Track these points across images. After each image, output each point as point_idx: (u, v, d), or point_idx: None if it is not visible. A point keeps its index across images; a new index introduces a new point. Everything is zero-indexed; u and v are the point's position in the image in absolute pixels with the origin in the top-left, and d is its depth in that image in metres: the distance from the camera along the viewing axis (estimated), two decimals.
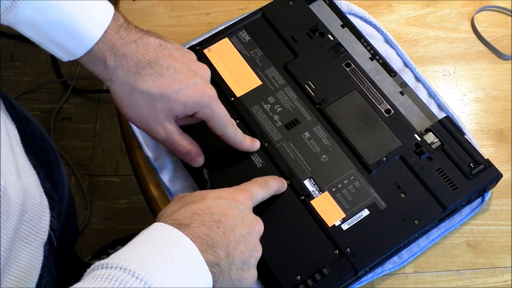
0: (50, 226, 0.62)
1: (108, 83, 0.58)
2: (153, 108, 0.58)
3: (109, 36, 0.55)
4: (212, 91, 0.60)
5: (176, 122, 0.61)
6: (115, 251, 1.22)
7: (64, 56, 0.56)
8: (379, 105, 0.69)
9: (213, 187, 0.64)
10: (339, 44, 0.73)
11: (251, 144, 0.64)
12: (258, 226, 0.54)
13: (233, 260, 0.50)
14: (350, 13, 0.77)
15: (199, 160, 0.64)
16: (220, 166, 0.66)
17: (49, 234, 0.61)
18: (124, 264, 0.44)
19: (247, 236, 0.52)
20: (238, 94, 0.69)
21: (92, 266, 0.45)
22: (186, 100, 0.58)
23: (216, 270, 0.49)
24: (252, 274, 0.53)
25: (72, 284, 0.43)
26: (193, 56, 0.63)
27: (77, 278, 0.45)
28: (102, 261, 0.45)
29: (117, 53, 0.56)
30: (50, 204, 0.63)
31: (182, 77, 0.58)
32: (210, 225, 0.50)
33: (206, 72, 0.63)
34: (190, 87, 0.58)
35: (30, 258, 0.57)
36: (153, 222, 0.50)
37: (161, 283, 0.44)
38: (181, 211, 0.51)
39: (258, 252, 0.54)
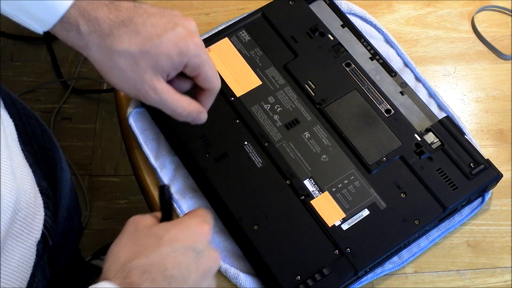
0: (45, 225, 0.61)
1: (85, 51, 0.55)
2: (136, 68, 0.54)
3: (80, 2, 0.53)
4: (198, 39, 0.55)
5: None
6: None
7: (38, 27, 0.53)
8: (379, 105, 0.69)
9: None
10: (339, 44, 0.72)
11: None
12: (214, 265, 0.52)
13: None
14: (350, 13, 0.77)
15: (203, 117, 0.60)
16: (220, 166, 0.65)
17: (43, 233, 0.61)
18: None
19: (200, 282, 0.50)
20: (238, 94, 0.69)
21: None
22: (170, 51, 0.54)
23: None
24: None
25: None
26: (176, 12, 0.58)
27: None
28: None
29: (89, 18, 0.53)
30: (45, 203, 0.62)
31: (160, 30, 0.54)
32: (161, 285, 0.47)
33: (190, 23, 0.57)
34: (172, 38, 0.54)
35: (23, 257, 0.57)
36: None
37: None
38: (132, 265, 0.47)
39: None
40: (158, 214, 0.53)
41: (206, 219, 0.52)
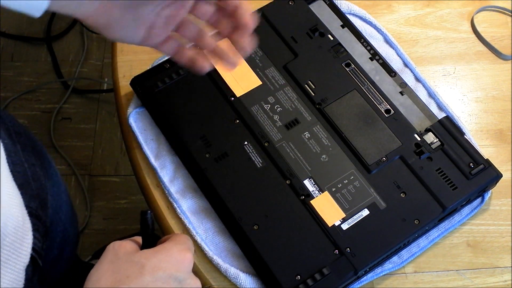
0: (34, 248, 0.60)
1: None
2: None
3: None
4: None
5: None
6: None
7: None
8: (379, 105, 0.69)
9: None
10: (339, 44, 0.73)
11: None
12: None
13: None
14: (350, 13, 0.78)
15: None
16: (220, 166, 0.66)
17: (32, 256, 0.60)
18: None
19: None
20: (238, 94, 0.69)
21: None
22: None
23: None
24: None
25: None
26: None
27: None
28: None
29: None
30: (34, 225, 0.61)
31: None
32: None
33: None
34: None
35: (11, 282, 0.56)
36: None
37: None
38: None
39: None
40: (138, 239, 0.52)
41: (187, 246, 0.52)
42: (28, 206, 0.61)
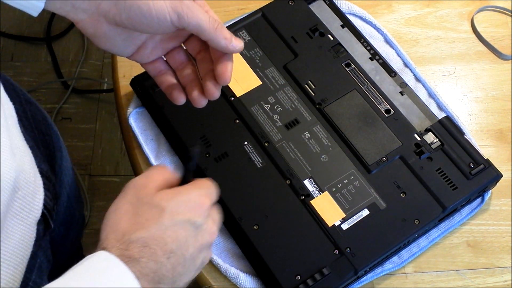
0: (45, 206, 0.61)
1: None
2: None
3: None
4: None
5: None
6: None
7: None
8: (379, 105, 0.69)
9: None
10: (339, 44, 0.73)
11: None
12: (210, 239, 0.51)
13: (176, 283, 0.49)
14: (350, 13, 0.78)
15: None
16: (220, 166, 0.66)
17: (44, 214, 0.61)
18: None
19: (196, 255, 0.50)
20: (238, 94, 0.69)
21: None
22: None
23: None
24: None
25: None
26: None
27: None
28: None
29: None
30: (45, 184, 0.62)
31: None
32: (160, 259, 0.47)
33: None
34: None
35: (23, 235, 0.57)
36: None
37: None
38: (133, 237, 0.47)
39: (203, 264, 0.52)
40: (157, 176, 0.52)
41: (207, 192, 0.52)
42: (39, 167, 0.62)
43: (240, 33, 0.73)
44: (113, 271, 0.45)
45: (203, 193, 0.51)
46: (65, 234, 0.81)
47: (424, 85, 0.74)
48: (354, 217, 0.63)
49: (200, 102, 0.59)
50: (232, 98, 0.69)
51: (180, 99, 0.60)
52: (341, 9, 0.76)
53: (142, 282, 0.45)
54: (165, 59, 0.60)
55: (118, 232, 0.48)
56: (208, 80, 0.58)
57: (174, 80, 0.60)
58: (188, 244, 0.49)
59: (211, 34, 0.55)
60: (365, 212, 0.63)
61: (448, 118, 0.68)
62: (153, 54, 0.59)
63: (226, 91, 0.69)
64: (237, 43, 0.56)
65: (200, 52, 0.59)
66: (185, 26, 0.54)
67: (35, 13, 0.53)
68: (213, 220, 0.52)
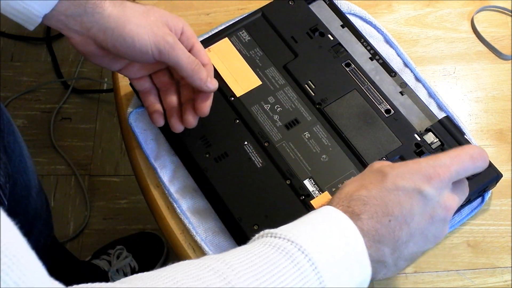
0: None
1: (99, 9, 0.56)
2: (148, 17, 0.59)
3: None
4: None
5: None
6: (115, 251, 1.24)
7: (37, 7, 0.54)
8: (379, 105, 0.69)
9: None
10: (339, 44, 0.73)
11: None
12: (443, 213, 0.50)
13: (400, 255, 0.49)
14: (350, 13, 0.78)
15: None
16: (220, 166, 0.66)
17: None
18: (292, 237, 0.45)
19: (425, 227, 0.49)
20: (238, 94, 0.69)
21: (261, 232, 0.47)
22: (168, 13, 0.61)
23: (378, 266, 0.48)
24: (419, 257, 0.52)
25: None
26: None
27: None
28: (271, 230, 0.46)
29: None
30: None
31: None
32: (380, 219, 0.48)
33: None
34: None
35: None
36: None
37: (323, 264, 0.44)
38: (355, 196, 0.49)
39: (438, 238, 0.51)
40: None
41: (449, 164, 0.51)
42: None
43: (240, 33, 0.73)
44: (338, 219, 0.47)
45: (440, 164, 0.50)
46: (30, 229, 0.81)
47: (424, 85, 0.74)
48: None
49: (178, 127, 0.64)
50: (232, 98, 0.69)
51: (159, 122, 0.64)
52: (341, 9, 0.76)
53: (364, 238, 0.47)
54: (151, 78, 0.65)
55: (343, 193, 0.51)
56: (188, 109, 0.63)
57: (156, 101, 0.64)
58: (414, 212, 0.49)
59: (188, 73, 0.60)
60: None
61: (448, 118, 0.68)
62: (140, 73, 0.63)
63: (226, 91, 0.69)
64: (211, 85, 0.61)
65: (183, 78, 0.62)
66: (165, 61, 0.59)
67: (31, 26, 0.56)
68: (451, 195, 0.51)
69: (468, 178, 0.64)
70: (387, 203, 0.48)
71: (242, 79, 0.70)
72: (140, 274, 0.43)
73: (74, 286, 0.39)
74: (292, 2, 0.75)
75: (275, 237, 0.46)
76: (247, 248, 0.45)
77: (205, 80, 0.61)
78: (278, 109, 0.69)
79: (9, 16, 0.55)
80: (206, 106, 0.63)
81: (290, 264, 0.43)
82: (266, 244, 0.45)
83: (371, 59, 0.72)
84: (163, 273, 0.42)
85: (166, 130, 0.69)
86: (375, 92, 0.69)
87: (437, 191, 0.50)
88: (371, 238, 0.47)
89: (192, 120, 0.63)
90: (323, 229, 0.47)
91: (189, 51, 0.61)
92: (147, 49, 0.57)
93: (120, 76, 0.74)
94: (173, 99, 0.64)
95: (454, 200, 0.52)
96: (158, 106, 0.64)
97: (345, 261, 0.45)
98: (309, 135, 0.67)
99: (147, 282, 0.41)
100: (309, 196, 0.64)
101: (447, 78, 0.77)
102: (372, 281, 0.48)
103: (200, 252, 0.64)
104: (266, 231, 0.47)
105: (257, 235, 0.47)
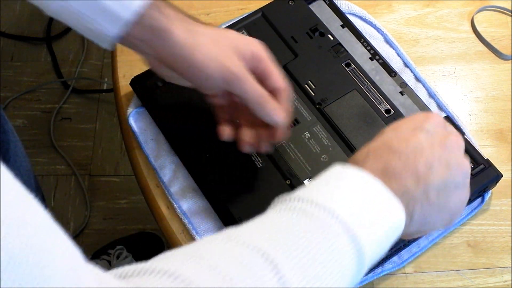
0: None
1: (168, 34, 0.55)
2: (218, 44, 0.57)
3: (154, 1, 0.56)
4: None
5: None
6: (115, 251, 1.24)
7: (108, 27, 0.54)
8: (379, 105, 0.69)
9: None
10: (339, 44, 0.73)
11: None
12: (452, 139, 0.50)
13: (428, 184, 0.48)
14: (350, 13, 0.78)
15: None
16: (220, 166, 0.65)
17: None
18: (309, 196, 0.44)
19: (441, 154, 0.49)
20: None
21: (275, 200, 0.46)
22: (240, 36, 0.59)
23: (407, 198, 0.47)
24: (460, 193, 0.50)
25: None
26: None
27: None
28: (285, 196, 0.45)
29: (170, 5, 0.57)
30: None
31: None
32: (387, 158, 0.47)
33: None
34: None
35: None
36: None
37: (349, 215, 0.43)
38: (357, 153, 0.50)
39: (462, 167, 0.50)
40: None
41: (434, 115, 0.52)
42: None
43: (240, 33, 0.73)
44: (344, 173, 0.47)
45: (430, 115, 0.52)
46: None
47: (424, 85, 0.74)
48: None
49: (245, 148, 0.61)
50: None
51: (224, 136, 0.62)
52: (341, 9, 0.76)
53: (376, 177, 0.46)
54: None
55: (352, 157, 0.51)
56: (262, 135, 0.61)
57: (227, 117, 0.63)
58: (423, 145, 0.49)
59: (254, 106, 0.58)
60: None
61: (448, 118, 0.68)
62: (213, 90, 0.61)
63: None
64: (278, 119, 0.58)
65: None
66: (231, 92, 0.58)
67: (105, 44, 0.56)
68: (451, 132, 0.52)
69: None
70: (390, 145, 0.49)
71: None
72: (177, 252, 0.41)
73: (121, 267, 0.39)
74: (292, 2, 0.75)
75: (290, 200, 0.45)
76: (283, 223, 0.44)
77: (272, 114, 0.58)
78: None
79: (82, 34, 0.56)
80: (279, 134, 0.60)
81: (317, 228, 0.42)
82: (285, 210, 0.44)
83: (371, 59, 0.72)
84: (207, 263, 0.39)
85: (166, 130, 0.69)
86: (375, 92, 0.69)
87: (437, 127, 0.51)
88: (384, 174, 0.47)
89: (266, 148, 0.62)
90: (333, 183, 0.46)
91: (260, 75, 0.59)
92: (213, 80, 0.56)
93: (120, 76, 0.74)
94: (245, 118, 0.62)
95: (452, 132, 0.52)
96: (228, 122, 0.62)
97: (366, 201, 0.44)
98: (309, 135, 0.67)
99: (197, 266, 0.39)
100: None
101: (447, 78, 0.77)
102: (410, 235, 0.48)
103: None
104: (280, 197, 0.46)
105: (272, 204, 0.47)
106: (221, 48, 0.56)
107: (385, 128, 0.51)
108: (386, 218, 0.45)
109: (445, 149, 0.49)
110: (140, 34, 0.55)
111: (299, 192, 0.45)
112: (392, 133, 0.50)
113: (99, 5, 0.53)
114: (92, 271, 0.36)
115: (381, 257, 0.47)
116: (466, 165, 0.51)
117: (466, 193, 0.51)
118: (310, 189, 0.45)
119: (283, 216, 0.44)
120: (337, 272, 0.41)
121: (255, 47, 0.58)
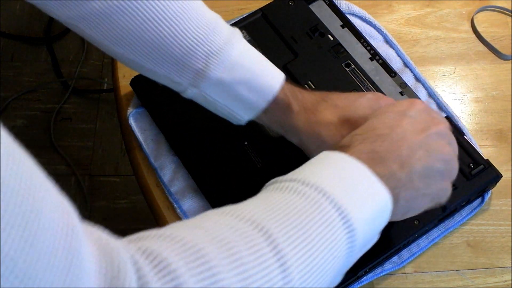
0: None
1: (291, 123, 0.59)
2: (337, 134, 0.57)
3: (285, 87, 0.58)
4: (387, 99, 0.59)
5: None
6: None
7: (242, 114, 0.58)
8: None
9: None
10: (339, 44, 0.73)
11: None
12: (435, 126, 0.51)
13: (412, 169, 0.48)
14: (350, 13, 0.78)
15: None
16: (220, 166, 0.66)
17: None
18: (298, 177, 0.45)
19: (424, 140, 0.49)
20: None
21: (266, 184, 0.48)
22: (365, 113, 0.57)
23: (393, 183, 0.47)
24: (440, 183, 0.51)
25: None
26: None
27: None
28: (276, 179, 0.47)
29: (297, 97, 0.59)
30: None
31: (353, 99, 0.59)
32: (373, 141, 0.48)
33: (376, 94, 0.61)
34: (364, 102, 0.58)
35: None
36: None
37: (338, 193, 0.44)
38: (344, 139, 0.51)
39: (442, 153, 0.50)
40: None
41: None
42: None
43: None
44: (331, 158, 0.48)
45: (414, 101, 0.53)
46: None
47: (424, 85, 0.74)
48: None
49: None
50: None
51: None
52: (341, 9, 0.76)
53: (362, 160, 0.47)
54: None
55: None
56: None
57: None
58: (405, 130, 0.50)
59: None
60: None
61: (448, 118, 0.68)
62: None
63: None
64: None
65: None
66: None
67: (236, 123, 0.60)
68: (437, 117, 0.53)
69: (467, 178, 0.64)
70: (376, 130, 0.50)
71: None
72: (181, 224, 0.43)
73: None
74: (292, 2, 0.75)
75: (280, 182, 0.46)
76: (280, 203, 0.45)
77: None
78: None
79: (216, 113, 0.60)
80: None
81: (313, 208, 0.43)
82: (278, 190, 0.46)
83: (371, 59, 0.72)
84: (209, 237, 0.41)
85: (166, 130, 0.69)
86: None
87: (422, 113, 0.52)
88: (370, 157, 0.47)
89: None
90: (321, 167, 0.47)
91: None
92: None
93: (120, 76, 0.74)
94: None
95: (437, 118, 0.53)
96: None
97: (353, 185, 0.45)
98: None
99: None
100: None
101: (447, 78, 0.77)
102: (393, 222, 0.49)
103: None
104: (272, 180, 0.48)
105: (264, 188, 0.48)
106: (342, 134, 0.56)
107: (370, 115, 0.53)
108: (373, 199, 0.46)
109: (428, 136, 0.50)
110: (266, 117, 0.59)
111: (289, 175, 0.46)
112: (377, 119, 0.51)
113: (237, 96, 0.56)
114: (92, 234, 0.38)
115: (372, 243, 0.48)
116: (446, 151, 0.51)
117: (445, 184, 0.52)
118: (299, 171, 0.47)
119: (275, 195, 0.45)
120: (329, 244, 0.42)
121: (371, 109, 0.58)
